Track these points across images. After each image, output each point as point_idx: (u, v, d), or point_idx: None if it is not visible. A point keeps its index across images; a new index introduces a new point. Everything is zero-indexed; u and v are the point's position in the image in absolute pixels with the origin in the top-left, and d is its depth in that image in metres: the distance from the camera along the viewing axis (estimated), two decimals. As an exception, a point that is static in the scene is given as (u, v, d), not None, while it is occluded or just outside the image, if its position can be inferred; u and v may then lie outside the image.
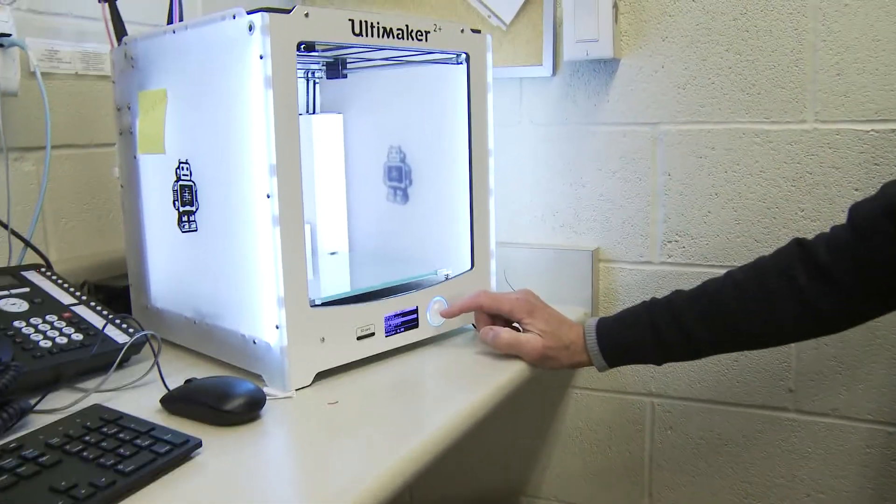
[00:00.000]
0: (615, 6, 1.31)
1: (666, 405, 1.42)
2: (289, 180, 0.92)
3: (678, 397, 1.41)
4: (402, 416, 0.92)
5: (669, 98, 1.34)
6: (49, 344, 1.00)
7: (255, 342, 0.98)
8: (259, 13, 0.89)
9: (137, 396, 0.96)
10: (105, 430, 0.79)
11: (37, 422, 0.86)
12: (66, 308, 1.09)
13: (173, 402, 0.90)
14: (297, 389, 0.96)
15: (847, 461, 1.31)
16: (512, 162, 1.46)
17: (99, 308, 1.11)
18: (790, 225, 1.29)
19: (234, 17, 0.93)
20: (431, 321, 1.13)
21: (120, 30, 1.21)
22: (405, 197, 1.29)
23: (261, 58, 0.90)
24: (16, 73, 1.20)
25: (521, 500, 1.57)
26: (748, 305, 1.02)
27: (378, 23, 1.02)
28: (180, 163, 1.06)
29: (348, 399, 0.95)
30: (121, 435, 0.78)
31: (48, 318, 1.05)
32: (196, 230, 1.05)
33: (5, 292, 1.08)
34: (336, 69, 1.27)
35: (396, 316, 1.08)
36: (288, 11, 0.92)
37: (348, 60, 1.26)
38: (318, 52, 1.05)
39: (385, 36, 1.03)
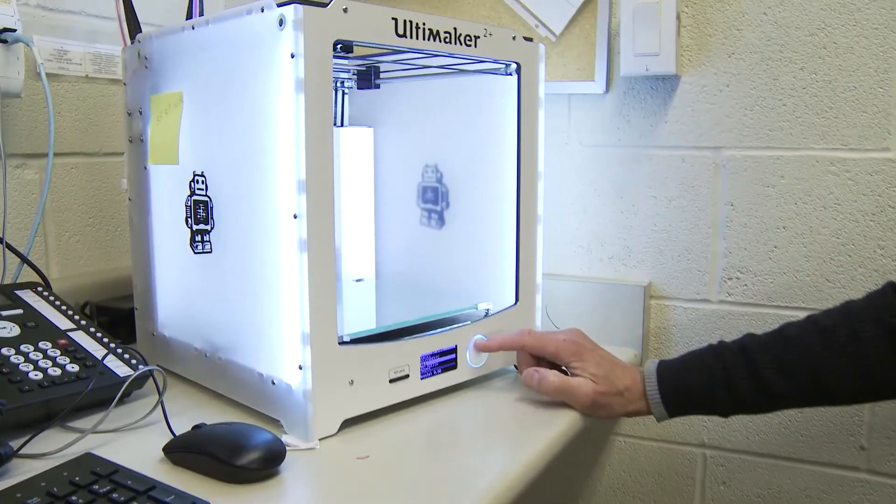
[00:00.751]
0: (678, 18, 1.19)
1: (720, 458, 1.29)
2: (319, 199, 0.80)
3: (733, 450, 1.28)
4: (443, 478, 0.79)
5: (735, 120, 1.22)
6: (40, 376, 0.88)
7: (273, 383, 0.86)
8: (292, 5, 0.78)
9: (138, 440, 0.85)
10: (97, 487, 0.67)
11: (21, 468, 0.76)
12: (63, 334, 0.98)
13: (178, 451, 0.79)
14: (320, 439, 0.84)
15: (925, 529, 1.18)
16: (557, 185, 1.34)
17: (99, 335, 1.00)
18: (867, 264, 1.16)
19: (262, 11, 0.82)
20: (471, 362, 1.00)
21: (134, 29, 1.11)
22: (441, 221, 1.17)
23: (292, 57, 0.78)
24: (19, 73, 1.10)
25: (554, 555, 1.44)
26: (839, 356, 0.90)
27: (424, 24, 0.90)
28: (195, 175, 0.94)
29: (379, 452, 0.83)
30: (114, 495, 0.66)
31: (41, 345, 0.94)
32: (210, 251, 0.94)
33: (-5, 314, 0.96)
34: (368, 78, 1.16)
35: (434, 356, 0.95)
36: (325, 5, 0.80)
37: (382, 69, 1.15)
38: (353, 55, 0.93)
39: (431, 39, 0.91)
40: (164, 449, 0.79)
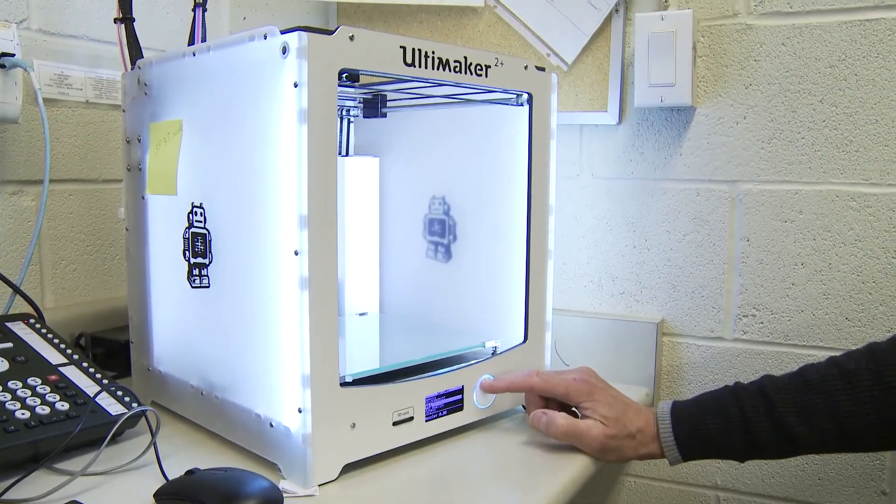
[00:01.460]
0: (694, 48, 1.16)
1: (734, 501, 1.25)
2: (322, 235, 0.77)
3: (748, 492, 1.24)
4: (447, 529, 0.75)
5: (752, 153, 1.18)
6: (27, 415, 0.84)
7: (272, 425, 0.82)
8: (296, 32, 0.75)
9: (129, 484, 0.82)
10: (81, 540, 0.63)
11: (3, 516, 0.72)
12: (54, 369, 0.94)
13: (170, 498, 0.75)
14: (320, 485, 0.80)
15: (949, 580, 1.13)
16: (568, 218, 1.30)
17: (92, 370, 0.96)
18: (889, 302, 1.13)
19: (265, 38, 0.78)
20: (478, 403, 0.97)
21: (136, 54, 1.08)
22: (448, 254, 1.13)
23: (295, 86, 0.75)
24: (17, 98, 1.07)
25: None
26: (863, 402, 0.86)
27: (433, 52, 0.87)
28: (193, 207, 0.91)
29: (381, 498, 0.79)
30: (98, 549, 0.62)
31: (30, 381, 0.90)
32: (208, 286, 0.90)
33: (-16, 348, 0.93)
34: (374, 107, 1.13)
35: (439, 397, 0.91)
36: (330, 33, 0.77)
37: (389, 97, 1.12)
38: (358, 83, 0.90)
39: (440, 68, 0.88)
40: (154, 495, 0.76)
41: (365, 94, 1.12)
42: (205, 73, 0.89)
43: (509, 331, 1.04)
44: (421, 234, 1.17)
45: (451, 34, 1.35)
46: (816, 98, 1.14)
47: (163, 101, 0.96)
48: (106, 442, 0.82)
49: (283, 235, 0.78)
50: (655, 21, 1.16)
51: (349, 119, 1.22)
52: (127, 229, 1.05)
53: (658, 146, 1.24)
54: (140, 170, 1.01)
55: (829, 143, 1.14)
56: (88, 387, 0.93)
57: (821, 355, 1.15)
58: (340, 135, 1.22)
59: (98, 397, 0.90)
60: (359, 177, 1.19)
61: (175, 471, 0.78)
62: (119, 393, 0.92)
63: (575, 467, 0.90)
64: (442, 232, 1.14)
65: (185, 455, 0.88)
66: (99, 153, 1.25)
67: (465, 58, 0.91)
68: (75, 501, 0.71)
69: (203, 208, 0.90)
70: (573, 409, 0.96)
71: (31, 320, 1.02)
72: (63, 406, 0.87)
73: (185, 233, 0.93)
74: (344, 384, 0.81)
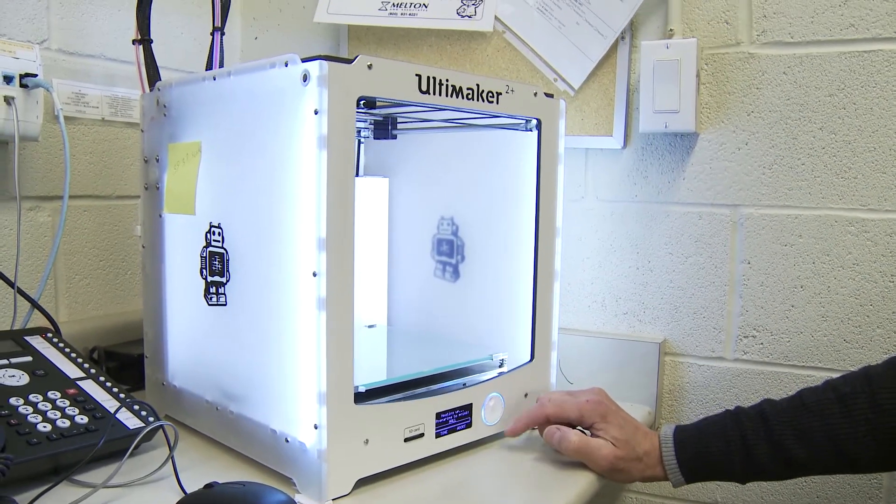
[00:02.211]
0: (698, 75, 1.19)
1: (733, 519, 1.27)
2: (340, 257, 0.79)
3: (747, 511, 1.26)
4: (458, 542, 0.77)
5: (753, 178, 1.21)
6: (48, 428, 0.87)
7: (287, 440, 0.84)
8: (317, 61, 0.77)
9: (149, 497, 0.84)
10: (106, 551, 0.66)
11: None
12: (72, 383, 0.96)
13: (189, 510, 0.77)
14: (334, 499, 0.82)
15: None
16: (573, 240, 1.33)
17: (109, 384, 0.98)
18: (886, 325, 1.15)
19: (286, 65, 0.81)
20: (486, 419, 0.99)
21: (153, 75, 1.11)
22: (455, 274, 1.16)
23: (315, 113, 0.78)
24: (38, 117, 1.10)
25: None
26: (859, 424, 0.88)
27: (447, 80, 0.89)
28: (211, 226, 0.93)
29: (393, 514, 0.81)
30: (124, 560, 0.64)
31: (50, 394, 0.92)
32: (225, 304, 0.92)
33: (5, 361, 0.96)
34: (385, 129, 1.15)
35: (449, 414, 0.94)
36: (350, 62, 0.79)
37: (399, 120, 1.14)
38: (375, 109, 0.93)
39: (454, 95, 0.91)
40: (175, 508, 0.78)
41: (377, 116, 1.15)
42: (225, 97, 0.92)
43: (516, 349, 1.06)
44: (429, 254, 1.19)
45: (460, 58, 1.38)
46: (816, 125, 1.17)
47: (182, 123, 0.99)
48: (128, 454, 0.84)
49: (302, 256, 0.80)
50: (660, 49, 1.19)
51: (360, 140, 1.25)
52: (143, 246, 1.08)
53: (662, 170, 1.27)
54: (157, 189, 1.03)
55: (828, 169, 1.17)
56: (105, 400, 0.95)
57: (819, 376, 1.18)
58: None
59: (118, 413, 0.92)
60: (369, 197, 1.22)
61: (192, 485, 0.80)
62: (136, 407, 0.95)
63: (582, 484, 0.92)
64: (450, 252, 1.16)
65: (201, 469, 0.90)
66: (113, 170, 1.28)
67: (478, 85, 0.93)
68: (99, 513, 0.73)
69: (221, 228, 0.92)
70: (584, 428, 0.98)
71: (49, 334, 1.05)
72: (82, 419, 0.90)
73: (202, 251, 0.95)
74: (358, 400, 0.83)
